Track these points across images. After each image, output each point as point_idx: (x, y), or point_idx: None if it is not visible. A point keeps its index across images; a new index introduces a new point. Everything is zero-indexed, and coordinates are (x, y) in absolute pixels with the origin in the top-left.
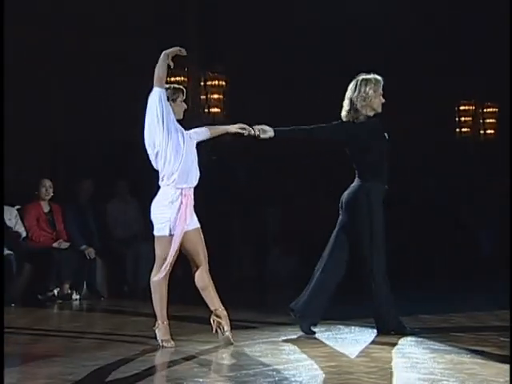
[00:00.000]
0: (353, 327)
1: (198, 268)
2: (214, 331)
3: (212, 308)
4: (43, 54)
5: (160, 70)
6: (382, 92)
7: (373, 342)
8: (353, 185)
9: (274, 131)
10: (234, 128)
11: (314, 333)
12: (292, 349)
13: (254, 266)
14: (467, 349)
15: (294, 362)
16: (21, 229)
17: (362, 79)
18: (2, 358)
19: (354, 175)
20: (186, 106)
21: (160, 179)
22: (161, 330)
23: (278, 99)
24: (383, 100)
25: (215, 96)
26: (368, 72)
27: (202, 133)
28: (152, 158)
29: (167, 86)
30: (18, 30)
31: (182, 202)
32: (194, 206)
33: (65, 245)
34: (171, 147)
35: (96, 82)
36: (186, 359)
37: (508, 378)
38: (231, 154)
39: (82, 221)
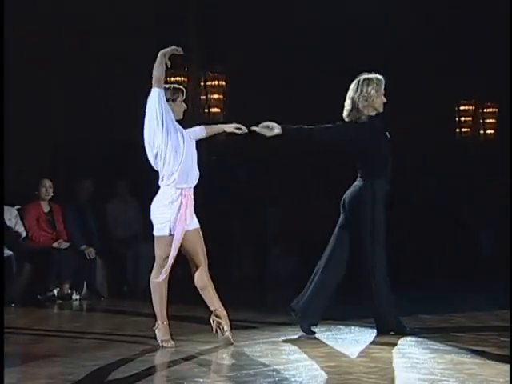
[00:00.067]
0: (353, 327)
1: (197, 268)
2: (213, 331)
3: (212, 308)
4: (43, 54)
5: (158, 71)
6: (383, 92)
7: (373, 342)
8: (355, 184)
9: (282, 129)
10: (229, 127)
11: (314, 333)
12: (292, 349)
13: (253, 266)
14: (467, 349)
15: (294, 362)
16: (21, 229)
17: (364, 79)
18: (2, 358)
19: (353, 175)
20: (185, 106)
21: (160, 179)
22: (161, 330)
23: (278, 99)
24: (385, 100)
25: (215, 96)
26: (368, 72)
27: (198, 131)
28: (151, 158)
29: (167, 86)
30: (18, 30)
31: (181, 202)
32: (194, 206)
33: (65, 245)
34: (171, 147)
35: (96, 82)
36: (186, 359)
37: (508, 378)
38: (231, 154)
39: (81, 221)
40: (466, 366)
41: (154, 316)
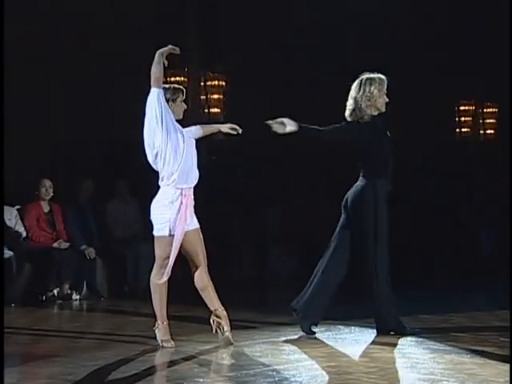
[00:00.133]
0: (353, 327)
1: (197, 268)
2: (213, 331)
3: (212, 308)
4: (43, 54)
5: (156, 71)
6: (385, 91)
7: (373, 342)
8: (358, 184)
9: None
10: (225, 128)
11: (314, 333)
12: (292, 349)
13: (253, 266)
14: (467, 349)
15: (294, 362)
16: (21, 229)
17: (367, 78)
18: (2, 358)
19: (354, 175)
20: (185, 107)
21: (160, 179)
22: (161, 331)
23: (278, 99)
24: (387, 99)
25: (215, 96)
26: (369, 72)
27: (194, 131)
28: (151, 158)
29: (167, 86)
30: (18, 30)
31: (181, 203)
32: (194, 207)
33: (65, 245)
34: (170, 147)
35: (96, 82)
36: (186, 359)
37: (508, 378)
38: (231, 154)
39: (82, 221)
40: (465, 365)
41: (154, 316)
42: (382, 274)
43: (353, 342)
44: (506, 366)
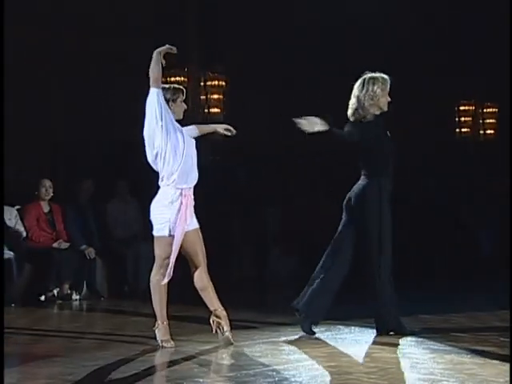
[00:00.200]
0: (353, 327)
1: (196, 268)
2: (213, 331)
3: (211, 308)
4: (43, 54)
5: (155, 70)
6: (388, 91)
7: (373, 342)
8: (360, 183)
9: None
10: (220, 128)
11: (315, 333)
12: (292, 349)
13: (253, 266)
14: (467, 349)
15: (294, 363)
16: (21, 229)
17: (370, 78)
18: (2, 358)
19: (354, 175)
20: (185, 107)
21: (160, 179)
22: (161, 331)
23: (278, 99)
24: (389, 99)
25: (215, 96)
26: (370, 71)
27: (190, 131)
28: (151, 158)
29: (167, 86)
30: (18, 30)
31: (181, 203)
32: (194, 207)
33: (65, 245)
34: (170, 147)
35: (96, 82)
36: (186, 359)
37: (508, 379)
38: (231, 154)
39: (81, 221)
40: (465, 366)
41: (154, 316)
42: (385, 273)
43: (353, 342)
44: (506, 366)
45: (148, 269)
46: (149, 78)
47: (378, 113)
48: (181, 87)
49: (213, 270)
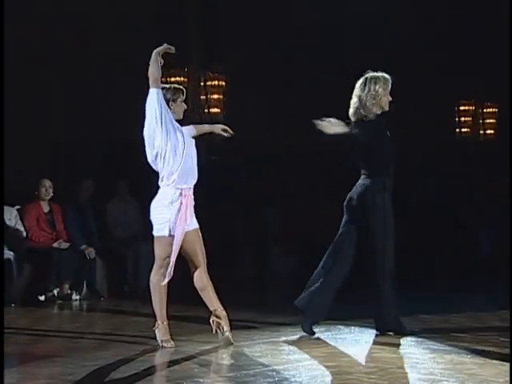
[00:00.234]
0: (353, 327)
1: (196, 269)
2: (213, 332)
3: (211, 308)
4: (43, 54)
5: (154, 70)
6: (390, 90)
7: (373, 342)
8: (362, 183)
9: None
10: (217, 129)
11: (314, 333)
12: (292, 349)
13: (254, 265)
14: (467, 349)
15: (294, 363)
16: (21, 229)
17: (371, 77)
18: (2, 358)
19: (354, 175)
20: (185, 107)
21: (160, 179)
22: (160, 331)
23: (278, 99)
24: (391, 98)
25: (215, 96)
26: (372, 71)
27: (188, 131)
28: (151, 158)
29: (167, 86)
30: (18, 30)
31: (181, 203)
32: (195, 207)
33: (65, 245)
34: (170, 147)
35: (96, 82)
36: (186, 359)
37: (508, 379)
38: (231, 154)
39: (81, 221)
40: (465, 366)
41: (154, 316)
42: (389, 274)
43: (353, 342)
44: (506, 366)
45: (148, 269)
46: (148, 78)
47: (379, 112)
48: (181, 87)
49: (213, 270)
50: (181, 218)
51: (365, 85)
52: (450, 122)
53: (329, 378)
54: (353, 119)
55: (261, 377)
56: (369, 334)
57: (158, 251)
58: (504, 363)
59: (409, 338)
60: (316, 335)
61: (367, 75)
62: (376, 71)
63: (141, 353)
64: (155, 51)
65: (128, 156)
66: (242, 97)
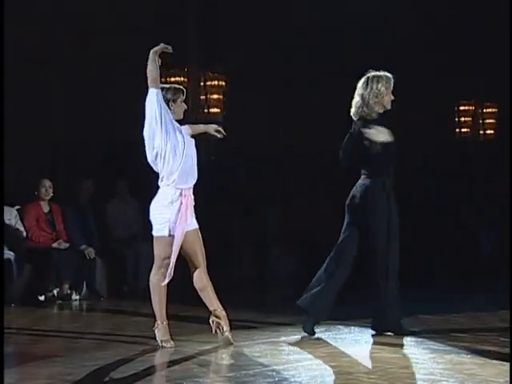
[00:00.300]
0: (353, 327)
1: (196, 269)
2: (213, 332)
3: (211, 308)
4: (43, 54)
5: (153, 70)
6: (392, 89)
7: (373, 342)
8: (363, 183)
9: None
10: (210, 129)
11: (315, 333)
12: (292, 349)
13: (253, 266)
14: (467, 349)
15: (294, 363)
16: (21, 229)
17: (374, 76)
18: (1, 358)
19: (354, 175)
20: (185, 107)
21: (160, 179)
22: (160, 331)
23: (278, 99)
24: (393, 97)
25: (215, 96)
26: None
27: (184, 131)
28: (151, 159)
29: (167, 86)
30: (18, 30)
31: (181, 203)
32: (194, 207)
33: (65, 245)
34: (170, 147)
35: (96, 82)
36: (186, 359)
37: (508, 378)
38: (231, 154)
39: (81, 221)
40: (465, 366)
41: (154, 316)
42: (393, 274)
43: (353, 342)
44: (506, 366)
45: (148, 269)
46: (146, 78)
47: (381, 111)
48: (181, 87)
49: (213, 270)
50: (181, 218)
51: (367, 84)
52: (449, 121)
53: (329, 378)
54: (355, 118)
55: (261, 377)
56: (369, 334)
57: (158, 251)
58: (504, 363)
59: (409, 338)
60: (316, 335)
61: (369, 74)
62: (376, 71)
63: (140, 353)
64: (152, 51)
65: (128, 156)
66: (242, 97)
